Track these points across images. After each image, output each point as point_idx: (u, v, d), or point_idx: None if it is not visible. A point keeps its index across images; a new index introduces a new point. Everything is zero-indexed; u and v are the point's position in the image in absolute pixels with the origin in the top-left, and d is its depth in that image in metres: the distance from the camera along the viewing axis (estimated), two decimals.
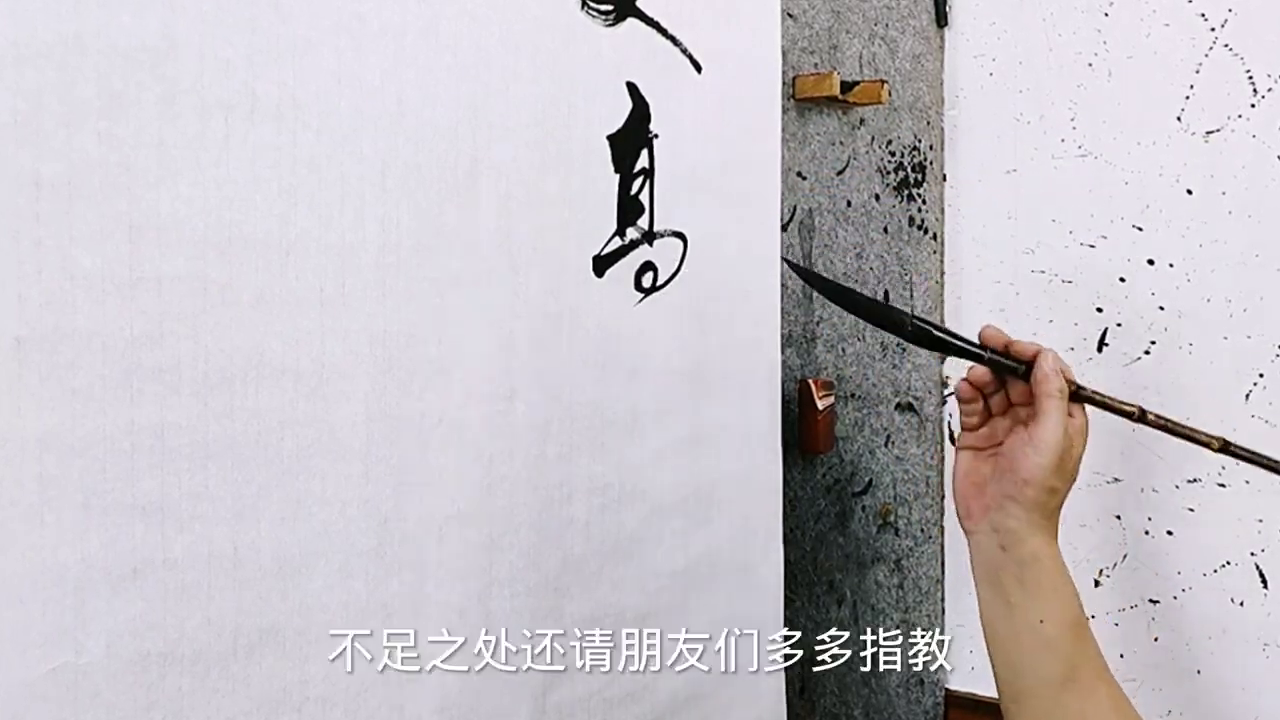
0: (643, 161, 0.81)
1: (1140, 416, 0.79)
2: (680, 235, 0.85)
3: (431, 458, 0.68)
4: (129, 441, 0.55)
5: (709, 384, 0.90)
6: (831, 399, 1.02)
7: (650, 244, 0.83)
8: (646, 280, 0.83)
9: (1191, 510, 1.09)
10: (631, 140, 0.80)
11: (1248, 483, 1.07)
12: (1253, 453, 0.78)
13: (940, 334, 0.81)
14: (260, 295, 0.59)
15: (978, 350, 0.81)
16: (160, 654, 0.57)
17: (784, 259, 0.96)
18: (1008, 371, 0.81)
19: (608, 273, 0.80)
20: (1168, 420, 0.79)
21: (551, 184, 0.75)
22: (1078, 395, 0.80)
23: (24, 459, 0.52)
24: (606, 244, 0.79)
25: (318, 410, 0.62)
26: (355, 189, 0.63)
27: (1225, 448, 0.78)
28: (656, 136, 0.82)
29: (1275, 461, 0.77)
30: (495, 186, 0.71)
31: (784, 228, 0.99)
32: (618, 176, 0.80)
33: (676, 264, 0.85)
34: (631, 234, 0.81)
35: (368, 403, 0.65)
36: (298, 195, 0.61)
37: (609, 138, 0.79)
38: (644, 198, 0.82)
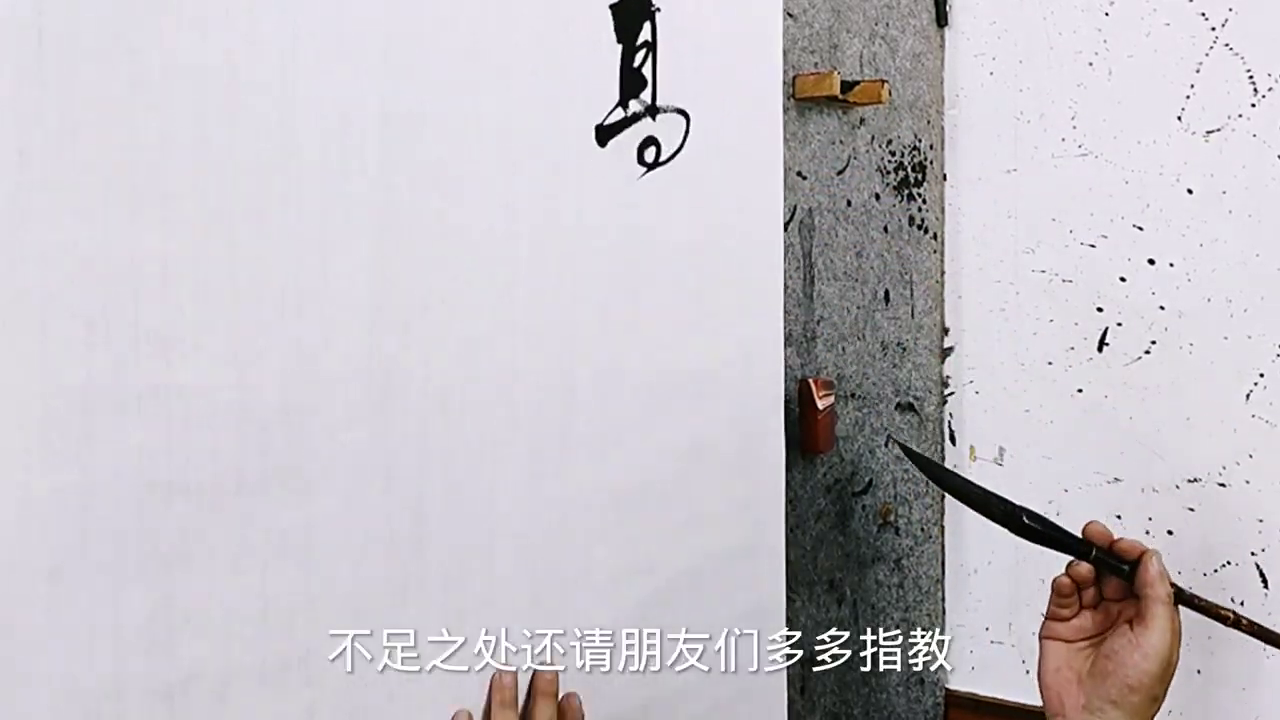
0: (645, 34, 0.81)
1: (1235, 622, 0.82)
2: (683, 112, 0.84)
3: (433, 313, 0.69)
4: (131, 265, 0.55)
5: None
6: (831, 398, 1.02)
7: (653, 118, 0.82)
8: (649, 155, 0.82)
9: (1191, 510, 1.09)
10: (634, 10, 0.80)
11: (1248, 483, 1.07)
12: None
13: (1049, 530, 0.83)
14: (264, 123, 0.60)
15: (1084, 547, 0.81)
16: (166, 482, 0.56)
17: (896, 440, 0.95)
18: (1113, 571, 0.81)
19: (610, 143, 0.79)
20: (1259, 625, 0.82)
21: (553, 50, 0.75)
22: (1179, 598, 0.80)
23: (26, 274, 0.51)
24: (609, 115, 0.79)
25: (320, 254, 0.62)
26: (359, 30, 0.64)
27: None
28: (659, 10, 0.82)
29: None
30: (496, 55, 0.71)
31: (784, 227, 0.99)
32: (620, 47, 0.79)
33: (680, 141, 0.85)
34: (634, 106, 0.80)
35: (373, 235, 0.65)
36: (299, 39, 0.61)
37: (611, 6, 0.78)
38: (646, 71, 0.81)
